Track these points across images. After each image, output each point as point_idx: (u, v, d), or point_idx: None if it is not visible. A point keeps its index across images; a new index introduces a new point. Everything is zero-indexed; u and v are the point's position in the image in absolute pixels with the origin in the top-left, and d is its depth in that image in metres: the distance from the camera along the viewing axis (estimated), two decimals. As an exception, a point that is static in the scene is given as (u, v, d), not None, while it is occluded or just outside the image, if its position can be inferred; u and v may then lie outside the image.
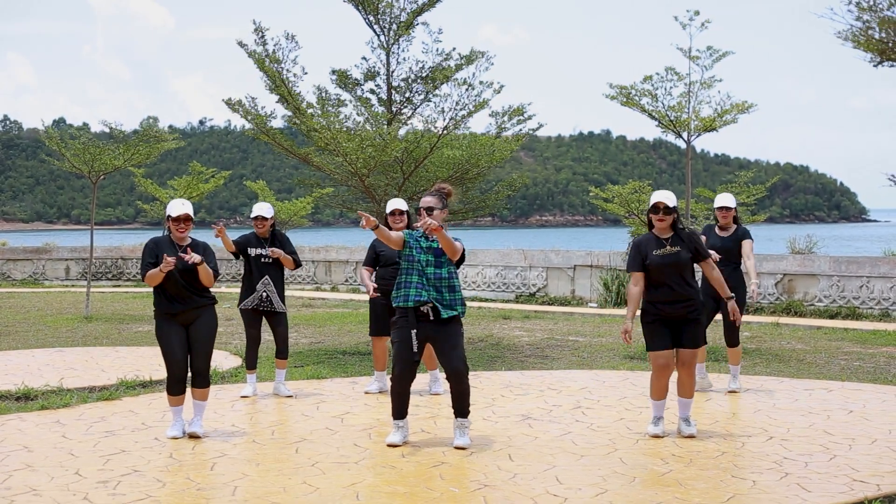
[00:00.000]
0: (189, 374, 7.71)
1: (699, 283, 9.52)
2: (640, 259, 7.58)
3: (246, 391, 9.34)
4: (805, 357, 12.04)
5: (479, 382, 9.94)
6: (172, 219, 7.47)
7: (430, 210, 7.30)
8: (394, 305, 7.37)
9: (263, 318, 9.46)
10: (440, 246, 7.23)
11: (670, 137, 12.13)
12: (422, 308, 7.23)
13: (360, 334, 14.55)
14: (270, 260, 9.29)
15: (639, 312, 7.74)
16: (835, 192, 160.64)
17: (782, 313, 17.08)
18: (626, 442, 7.43)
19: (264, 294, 9.27)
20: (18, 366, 11.20)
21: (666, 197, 7.60)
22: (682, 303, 7.54)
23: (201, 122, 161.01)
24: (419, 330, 7.25)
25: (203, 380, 7.69)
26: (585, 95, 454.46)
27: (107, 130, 18.39)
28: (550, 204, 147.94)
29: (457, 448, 7.19)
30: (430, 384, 9.56)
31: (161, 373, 10.48)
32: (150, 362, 11.40)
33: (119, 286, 25.45)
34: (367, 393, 9.52)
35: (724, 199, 9.78)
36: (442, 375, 9.55)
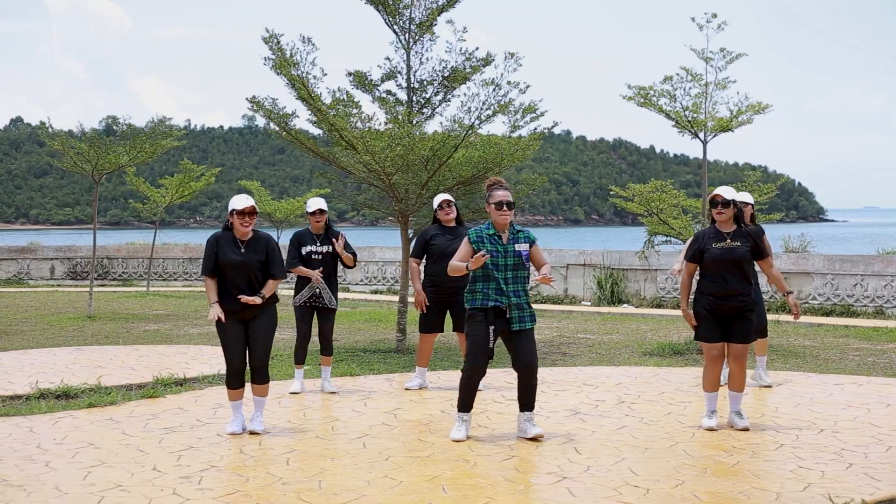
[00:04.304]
0: (248, 369, 7.75)
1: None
2: (696, 250, 7.76)
3: (295, 387, 9.36)
4: (819, 353, 12.29)
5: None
6: (238, 212, 7.51)
7: (510, 205, 7.35)
8: (467, 307, 7.44)
9: (315, 315, 9.48)
10: (519, 248, 7.34)
11: (686, 138, 12.30)
12: (502, 307, 7.34)
13: (370, 332, 14.62)
14: (321, 256, 9.30)
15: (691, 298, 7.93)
16: (793, 192, 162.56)
17: (777, 311, 17.34)
18: (683, 435, 7.58)
19: (316, 290, 9.29)
20: (45, 364, 11.13)
21: (724, 191, 7.76)
22: (735, 297, 7.69)
23: (161, 122, 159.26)
24: (497, 326, 7.35)
25: (262, 376, 7.72)
26: (546, 96, 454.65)
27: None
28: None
29: (534, 438, 7.36)
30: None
31: (193, 370, 10.55)
32: (176, 360, 11.40)
33: (105, 285, 25.24)
34: (407, 389, 9.58)
35: (743, 195, 9.94)
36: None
